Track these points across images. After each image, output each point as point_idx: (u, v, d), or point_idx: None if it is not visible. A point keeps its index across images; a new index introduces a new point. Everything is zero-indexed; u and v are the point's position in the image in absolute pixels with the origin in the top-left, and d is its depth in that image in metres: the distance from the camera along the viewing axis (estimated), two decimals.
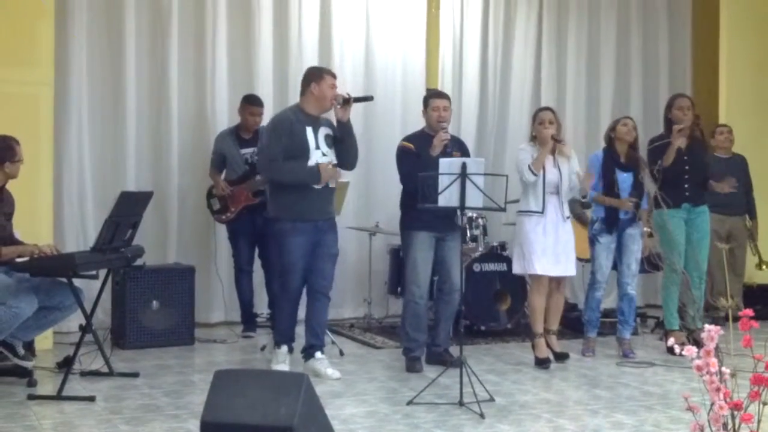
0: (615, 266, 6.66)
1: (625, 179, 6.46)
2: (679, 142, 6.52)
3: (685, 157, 6.60)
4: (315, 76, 5.83)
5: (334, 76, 5.88)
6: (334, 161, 5.82)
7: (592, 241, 6.55)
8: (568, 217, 6.21)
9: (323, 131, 5.80)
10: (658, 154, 6.61)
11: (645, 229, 6.62)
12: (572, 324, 7.25)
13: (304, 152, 5.70)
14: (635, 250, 6.54)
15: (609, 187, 6.44)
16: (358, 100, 5.85)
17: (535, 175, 6.04)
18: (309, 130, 5.73)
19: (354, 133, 5.88)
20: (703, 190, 6.79)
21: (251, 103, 7.19)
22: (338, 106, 5.72)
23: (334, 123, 5.85)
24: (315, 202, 5.73)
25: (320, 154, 5.74)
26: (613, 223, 6.47)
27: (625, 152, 6.52)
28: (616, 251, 6.55)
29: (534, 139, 6.20)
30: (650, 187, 6.39)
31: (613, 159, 6.49)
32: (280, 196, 5.79)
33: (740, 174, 8.01)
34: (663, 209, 6.31)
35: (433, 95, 6.37)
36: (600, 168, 6.47)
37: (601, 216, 6.51)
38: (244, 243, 7.18)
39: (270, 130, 5.83)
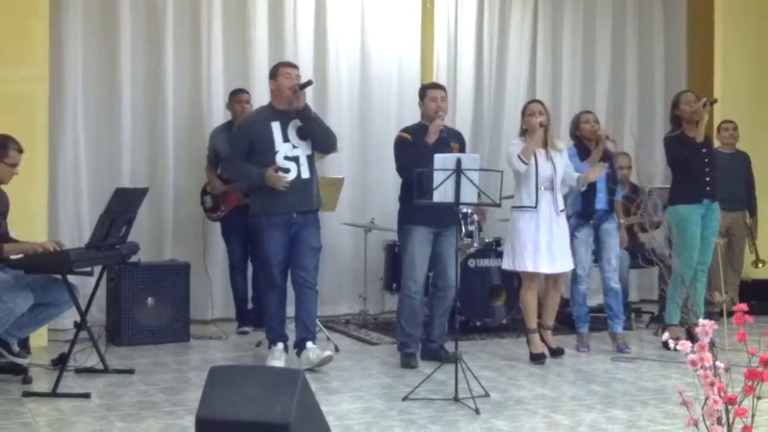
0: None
1: None
2: (705, 118, 6.48)
3: (704, 151, 6.57)
4: (272, 72, 5.98)
5: (292, 67, 5.97)
6: (308, 152, 5.87)
7: (570, 236, 6.56)
8: (561, 211, 6.19)
9: (295, 123, 5.84)
10: (674, 145, 6.60)
11: (621, 221, 6.65)
12: (567, 319, 7.25)
13: (270, 146, 5.79)
14: (613, 244, 6.58)
15: None
16: (302, 86, 5.84)
17: (525, 163, 6.01)
18: (276, 125, 5.82)
19: (314, 116, 5.87)
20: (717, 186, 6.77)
21: (238, 92, 7.25)
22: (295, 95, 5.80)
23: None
24: (286, 195, 5.75)
25: (290, 147, 5.81)
26: (589, 214, 6.49)
27: (595, 146, 6.53)
28: (595, 247, 6.58)
29: (525, 133, 6.21)
30: (637, 188, 6.40)
31: (585, 154, 6.50)
32: (255, 192, 5.91)
33: (743, 170, 8.02)
34: (677, 205, 6.36)
35: (429, 86, 6.37)
36: (577, 160, 6.48)
37: (577, 210, 6.54)
38: (237, 240, 7.19)
39: (232, 131, 6.00)
